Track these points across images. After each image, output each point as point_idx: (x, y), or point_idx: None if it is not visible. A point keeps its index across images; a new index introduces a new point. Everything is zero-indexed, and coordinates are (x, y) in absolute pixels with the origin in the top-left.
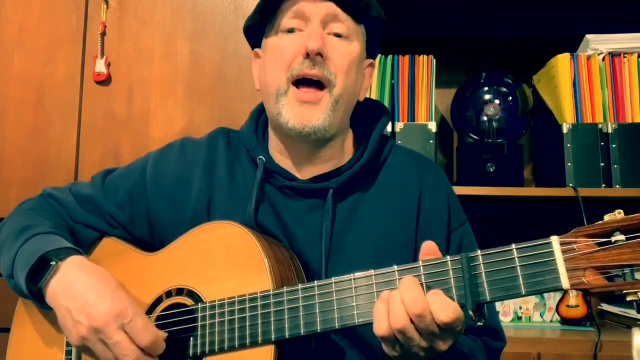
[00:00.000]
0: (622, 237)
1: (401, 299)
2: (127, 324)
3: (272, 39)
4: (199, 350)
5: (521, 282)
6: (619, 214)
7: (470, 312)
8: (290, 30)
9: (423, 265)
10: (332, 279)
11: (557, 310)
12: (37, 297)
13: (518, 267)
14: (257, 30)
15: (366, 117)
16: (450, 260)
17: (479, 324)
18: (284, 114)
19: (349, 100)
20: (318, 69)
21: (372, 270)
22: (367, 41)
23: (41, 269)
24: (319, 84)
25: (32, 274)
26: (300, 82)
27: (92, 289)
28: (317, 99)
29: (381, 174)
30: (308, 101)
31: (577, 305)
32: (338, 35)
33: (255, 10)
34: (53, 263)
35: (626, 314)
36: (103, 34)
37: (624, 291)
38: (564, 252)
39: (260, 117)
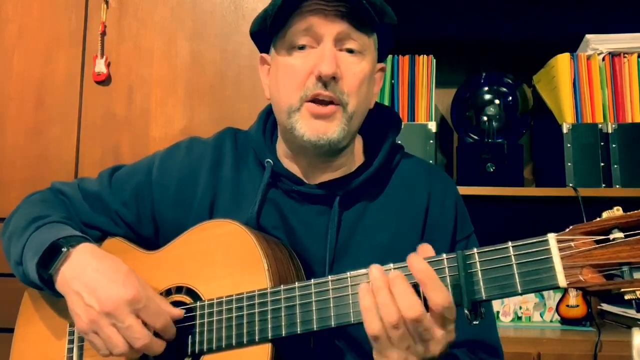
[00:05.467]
0: (621, 234)
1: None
2: (141, 309)
3: (283, 56)
4: (197, 349)
5: (517, 281)
6: (617, 211)
7: (466, 311)
8: (302, 47)
9: None
10: (329, 277)
11: (557, 310)
12: (47, 284)
13: (514, 265)
14: (264, 35)
15: (378, 124)
16: (447, 258)
17: (474, 322)
18: (298, 128)
19: (363, 113)
20: (330, 91)
21: (368, 269)
22: (379, 47)
23: (52, 255)
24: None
25: (43, 260)
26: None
27: (103, 274)
28: (331, 112)
29: (390, 182)
30: (323, 115)
31: (577, 305)
32: (350, 51)
33: (261, 17)
34: (64, 250)
35: (626, 314)
36: (103, 34)
37: (622, 289)
38: (560, 249)
39: (268, 119)
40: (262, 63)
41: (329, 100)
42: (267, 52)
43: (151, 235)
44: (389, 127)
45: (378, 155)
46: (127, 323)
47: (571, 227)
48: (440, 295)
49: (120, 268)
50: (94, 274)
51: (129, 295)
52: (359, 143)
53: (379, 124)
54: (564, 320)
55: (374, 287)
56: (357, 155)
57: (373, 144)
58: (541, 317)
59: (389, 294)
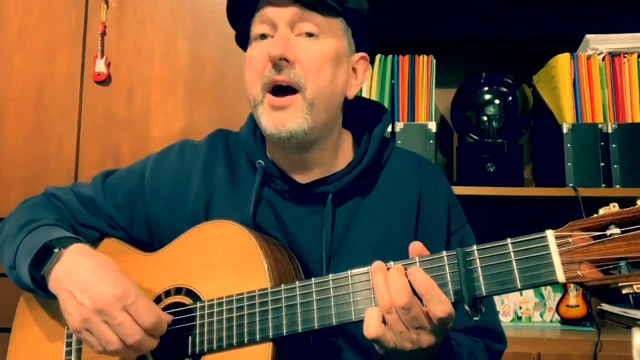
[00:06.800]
0: (618, 230)
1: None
2: (129, 305)
3: (248, 50)
4: (197, 349)
5: (517, 276)
6: (614, 207)
7: (467, 307)
8: (263, 36)
9: (420, 261)
10: (330, 276)
11: (557, 310)
12: (40, 285)
13: (514, 262)
14: (245, 40)
15: (365, 119)
16: (447, 256)
17: (475, 318)
18: (262, 122)
19: (329, 100)
20: (284, 74)
21: (369, 267)
22: (354, 35)
23: (44, 256)
24: (292, 89)
25: (36, 262)
26: (276, 89)
27: (95, 273)
28: (288, 103)
29: (381, 177)
30: (279, 106)
31: (577, 305)
32: (310, 35)
33: (231, 23)
34: (56, 250)
35: (626, 314)
36: (103, 34)
37: (620, 284)
38: (559, 245)
39: None
40: None
41: (287, 87)
42: None
43: (145, 238)
44: (377, 121)
45: (367, 151)
46: (119, 320)
47: (569, 223)
48: (439, 307)
49: (111, 267)
50: (86, 273)
51: (118, 292)
52: (348, 139)
53: (367, 119)
54: (564, 320)
55: (372, 271)
56: (346, 151)
57: (362, 140)
58: (541, 317)
59: (384, 281)
